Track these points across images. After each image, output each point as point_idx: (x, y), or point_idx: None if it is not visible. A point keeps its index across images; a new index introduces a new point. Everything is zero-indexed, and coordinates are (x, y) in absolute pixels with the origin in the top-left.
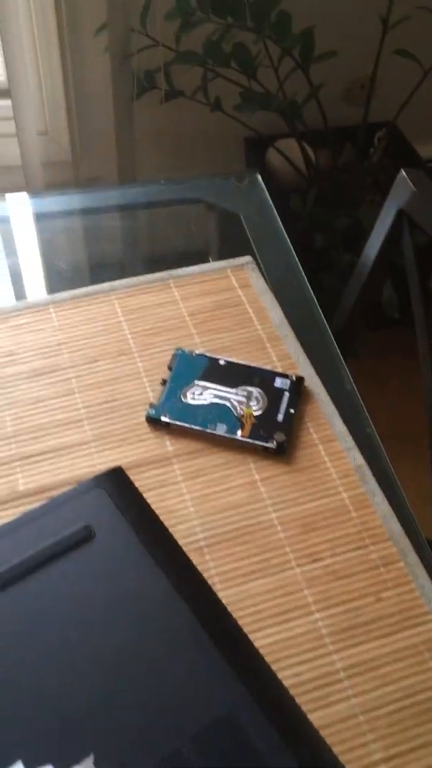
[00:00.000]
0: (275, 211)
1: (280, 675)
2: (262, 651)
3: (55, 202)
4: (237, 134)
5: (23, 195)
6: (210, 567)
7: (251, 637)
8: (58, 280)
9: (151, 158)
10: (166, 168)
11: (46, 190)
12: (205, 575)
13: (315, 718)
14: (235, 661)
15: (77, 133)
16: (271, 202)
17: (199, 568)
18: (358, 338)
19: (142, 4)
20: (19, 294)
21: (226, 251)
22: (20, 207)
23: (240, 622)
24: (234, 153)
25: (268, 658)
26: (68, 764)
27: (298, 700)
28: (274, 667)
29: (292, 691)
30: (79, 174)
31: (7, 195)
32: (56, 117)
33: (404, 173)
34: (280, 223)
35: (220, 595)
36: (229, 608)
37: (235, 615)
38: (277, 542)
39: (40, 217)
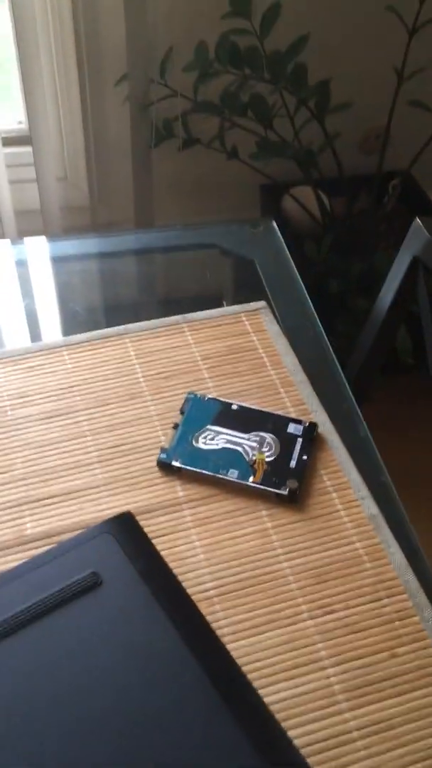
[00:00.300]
0: (290, 258)
1: (291, 733)
2: (272, 707)
3: (71, 246)
4: (253, 181)
5: (41, 239)
6: (220, 617)
7: (262, 692)
8: (73, 322)
9: (168, 204)
10: (183, 214)
11: (64, 235)
12: (215, 626)
13: None
14: (245, 719)
15: (96, 179)
16: (285, 248)
17: (209, 618)
18: (373, 384)
19: (162, 56)
20: (35, 336)
21: (241, 297)
22: (37, 250)
23: (250, 676)
24: (250, 200)
25: (279, 715)
26: None
27: (310, 760)
28: (285, 725)
29: (304, 751)
30: (96, 219)
31: (25, 239)
32: (75, 163)
33: (419, 221)
34: (295, 269)
35: (230, 647)
36: (239, 661)
37: (245, 669)
38: (289, 593)
39: (56, 261)
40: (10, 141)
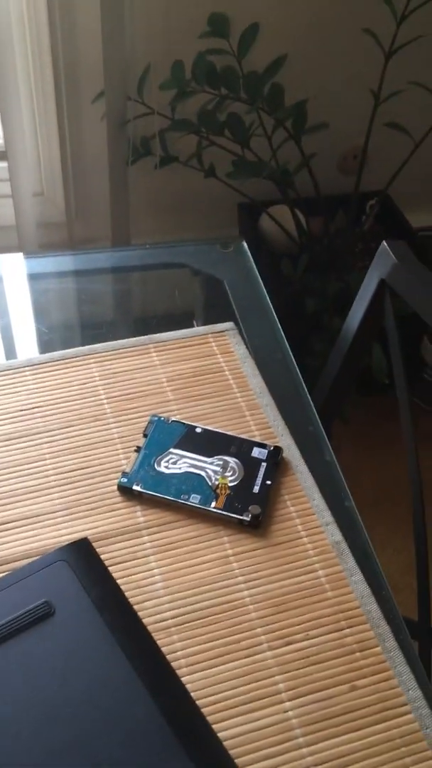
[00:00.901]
0: (260, 279)
1: None
2: (227, 742)
3: (41, 264)
4: (231, 200)
5: (9, 256)
6: (177, 648)
7: (217, 726)
8: (39, 341)
9: (145, 221)
10: (161, 231)
11: (40, 251)
12: (171, 656)
13: None
14: (198, 755)
15: (72, 195)
16: (255, 269)
17: (166, 648)
18: (345, 403)
19: (139, 74)
20: (1, 354)
21: (211, 317)
22: (5, 268)
23: (205, 709)
24: (227, 218)
25: (234, 751)
26: None
27: None
28: (240, 761)
29: None
30: (73, 235)
31: (0, 255)
32: (52, 179)
33: (386, 245)
34: (265, 290)
35: (186, 679)
36: (195, 694)
37: (199, 702)
38: (248, 622)
39: (24, 278)
40: None
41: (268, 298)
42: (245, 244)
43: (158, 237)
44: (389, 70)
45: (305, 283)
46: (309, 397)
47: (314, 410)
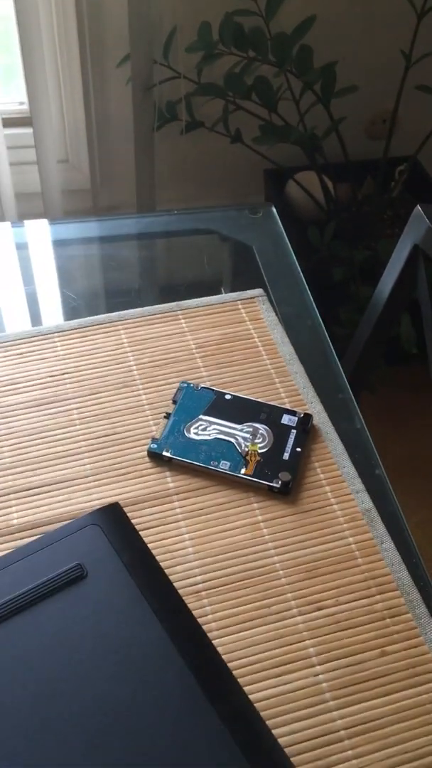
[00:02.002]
0: (289, 245)
1: (276, 732)
2: (258, 705)
3: (68, 230)
4: (257, 166)
5: (37, 222)
6: (207, 612)
7: (248, 689)
8: (67, 308)
9: (171, 188)
10: (186, 198)
11: (65, 218)
12: (202, 620)
13: None
14: (229, 717)
15: (97, 161)
16: (285, 235)
17: (196, 612)
18: (373, 373)
19: (165, 37)
20: (28, 321)
21: (239, 283)
22: (33, 234)
23: (236, 672)
24: (254, 184)
25: (264, 713)
26: None
27: (294, 759)
28: (270, 723)
29: (289, 750)
30: (98, 202)
31: (20, 222)
32: (77, 146)
33: (420, 209)
34: (294, 256)
35: (217, 642)
36: (226, 657)
37: (231, 665)
38: (278, 588)
39: (52, 245)
40: (11, 122)
41: (297, 264)
42: (274, 210)
43: (183, 204)
44: (421, 30)
45: (332, 251)
46: (339, 365)
47: (344, 378)
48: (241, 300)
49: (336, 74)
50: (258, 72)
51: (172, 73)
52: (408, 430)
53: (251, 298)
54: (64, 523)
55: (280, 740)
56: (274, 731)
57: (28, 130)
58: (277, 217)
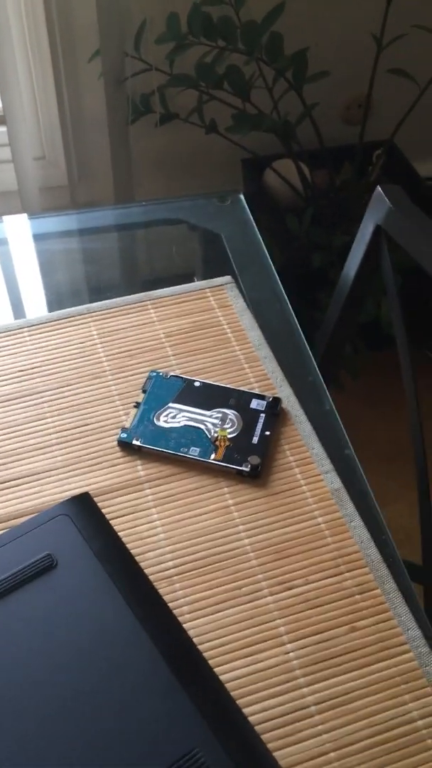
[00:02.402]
0: (257, 232)
1: (248, 710)
2: (230, 684)
3: (40, 224)
4: (234, 155)
5: (13, 217)
6: (179, 596)
7: (219, 669)
8: (38, 302)
9: (148, 181)
10: (164, 192)
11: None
12: (174, 605)
13: (283, 755)
14: (198, 696)
15: (74, 157)
16: (253, 222)
17: (168, 597)
18: (353, 361)
19: (135, 29)
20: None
21: (209, 272)
22: (8, 229)
23: (208, 654)
24: (232, 174)
25: (236, 692)
26: None
27: (266, 736)
28: (241, 702)
29: (260, 727)
30: (76, 198)
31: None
32: (53, 142)
33: (380, 190)
34: (263, 243)
35: (189, 625)
36: (198, 639)
37: (203, 646)
38: (249, 569)
39: (25, 240)
40: None
41: (266, 250)
42: (242, 197)
43: (162, 197)
44: (391, 14)
45: (311, 238)
46: (308, 348)
47: (314, 360)
48: (209, 288)
49: (308, 60)
50: (229, 61)
51: (144, 66)
52: (393, 414)
53: (220, 285)
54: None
55: (252, 717)
56: (246, 709)
57: (3, 129)
58: (245, 205)
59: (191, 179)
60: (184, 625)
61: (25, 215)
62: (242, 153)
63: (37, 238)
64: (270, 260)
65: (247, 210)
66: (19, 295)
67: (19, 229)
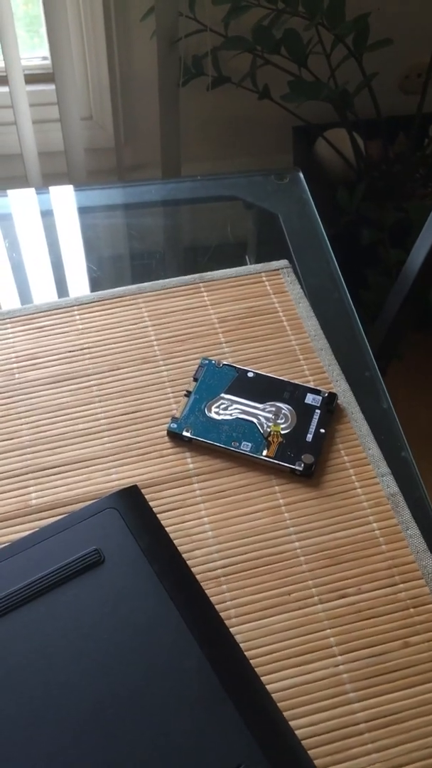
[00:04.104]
0: (317, 213)
1: (294, 723)
2: (277, 695)
3: (89, 197)
4: (285, 123)
5: (56, 189)
6: (226, 598)
7: (266, 678)
8: (87, 278)
9: (196, 146)
10: (212, 157)
11: (88, 177)
12: (221, 607)
13: None
14: (246, 708)
15: (121, 119)
16: (312, 202)
17: (215, 599)
18: (402, 342)
19: None
20: (49, 292)
21: (263, 253)
22: (52, 201)
23: (255, 661)
24: (282, 142)
25: (283, 703)
26: None
27: (312, 752)
28: (289, 714)
29: (307, 742)
30: (122, 161)
31: (34, 189)
32: (101, 103)
33: None
34: (321, 226)
35: (236, 630)
36: (244, 645)
37: (249, 653)
38: (299, 575)
39: (74, 212)
40: (34, 78)
41: (324, 234)
42: (302, 175)
43: (209, 163)
44: None
45: (361, 213)
46: (366, 341)
47: (371, 355)
48: (265, 272)
49: (369, 26)
50: (287, 25)
51: (198, 26)
52: None
53: (276, 270)
54: (83, 503)
55: (299, 732)
56: (292, 722)
57: (51, 87)
58: (305, 184)
59: (239, 146)
60: (231, 630)
61: (71, 187)
62: (293, 120)
63: (85, 211)
64: (329, 245)
65: (307, 189)
66: (66, 272)
67: (66, 201)
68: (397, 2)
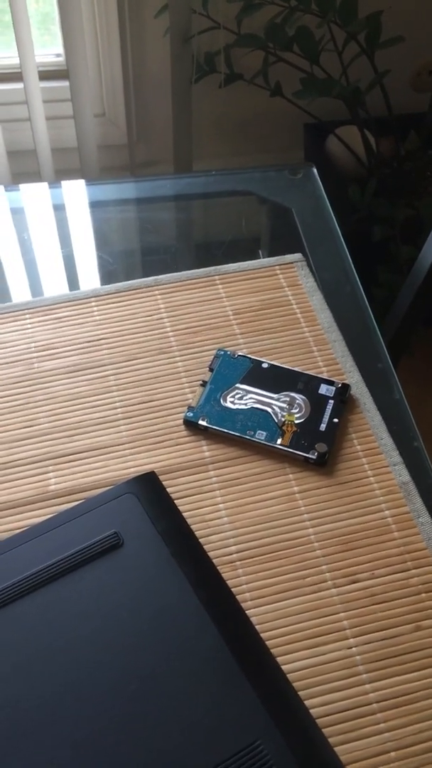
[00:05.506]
0: (330, 208)
1: (308, 703)
2: (291, 675)
3: (104, 191)
4: (297, 120)
5: (71, 182)
6: (242, 582)
7: (281, 659)
8: (103, 271)
9: (208, 143)
10: (224, 154)
11: (101, 174)
12: (236, 590)
13: (343, 750)
14: (262, 687)
15: (134, 116)
16: (325, 197)
17: (231, 582)
18: (412, 337)
19: None
20: (65, 284)
21: (277, 247)
22: (68, 195)
23: (270, 643)
24: (293, 139)
25: (298, 684)
26: None
27: (326, 731)
28: (302, 694)
29: (321, 721)
30: (135, 158)
31: (52, 183)
32: (114, 99)
33: None
34: (335, 220)
35: (251, 612)
36: (259, 628)
37: (264, 635)
38: (313, 559)
39: (89, 206)
40: (48, 75)
41: (338, 228)
42: (315, 170)
43: (221, 160)
44: None
45: (372, 210)
46: (379, 333)
47: (384, 347)
48: (279, 265)
49: (381, 24)
50: (300, 22)
51: (211, 24)
52: None
53: (290, 263)
54: (101, 489)
55: (313, 711)
56: (306, 702)
57: (65, 84)
58: (318, 179)
59: (251, 143)
60: (246, 612)
61: (83, 181)
62: (304, 118)
63: (99, 205)
64: (342, 239)
65: (320, 184)
66: (82, 264)
67: (80, 195)
68: (409, 0)
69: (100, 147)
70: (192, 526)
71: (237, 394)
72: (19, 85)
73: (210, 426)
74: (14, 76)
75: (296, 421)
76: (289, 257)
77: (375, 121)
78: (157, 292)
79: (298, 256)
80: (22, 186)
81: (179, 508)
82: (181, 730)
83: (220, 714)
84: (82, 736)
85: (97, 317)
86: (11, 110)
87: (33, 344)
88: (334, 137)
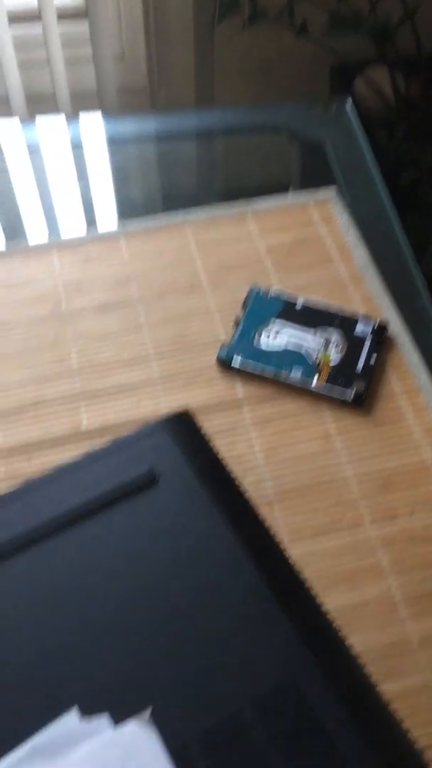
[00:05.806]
0: (364, 142)
1: (350, 641)
2: (329, 614)
3: (128, 126)
4: (322, 62)
5: (96, 116)
6: (278, 522)
7: (319, 598)
8: (129, 209)
9: (230, 86)
10: (246, 97)
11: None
12: (273, 530)
13: (384, 689)
14: (302, 625)
15: (155, 58)
16: (360, 131)
17: (267, 522)
18: None
19: None
20: (91, 223)
21: (309, 184)
22: (92, 130)
23: (308, 582)
24: (319, 82)
25: (337, 622)
26: (125, 714)
27: (367, 669)
28: (342, 633)
29: (360, 659)
30: (155, 101)
31: (81, 115)
32: (134, 41)
33: None
34: (369, 154)
35: (288, 552)
36: (297, 566)
37: (302, 574)
38: (350, 499)
39: (112, 142)
40: (67, 14)
41: (374, 163)
42: (348, 105)
43: (243, 103)
44: None
45: (400, 154)
46: (418, 270)
47: (423, 284)
48: (313, 201)
49: None
50: None
51: None
52: None
53: (324, 199)
54: (133, 428)
55: (354, 648)
56: (347, 640)
57: (84, 26)
58: (352, 113)
59: (275, 86)
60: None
61: (107, 115)
62: (330, 59)
63: (125, 140)
64: (379, 174)
65: (354, 118)
66: (114, 201)
67: (105, 129)
68: None
69: (120, 90)
70: (227, 466)
71: (271, 332)
72: (38, 27)
73: (243, 365)
74: (32, 15)
75: (332, 361)
76: (322, 192)
77: (404, 62)
78: (187, 228)
79: (332, 190)
80: (38, 118)
81: (213, 447)
82: (221, 669)
83: (260, 652)
84: (123, 665)
85: (126, 255)
86: (30, 53)
87: (61, 283)
88: (361, 79)
